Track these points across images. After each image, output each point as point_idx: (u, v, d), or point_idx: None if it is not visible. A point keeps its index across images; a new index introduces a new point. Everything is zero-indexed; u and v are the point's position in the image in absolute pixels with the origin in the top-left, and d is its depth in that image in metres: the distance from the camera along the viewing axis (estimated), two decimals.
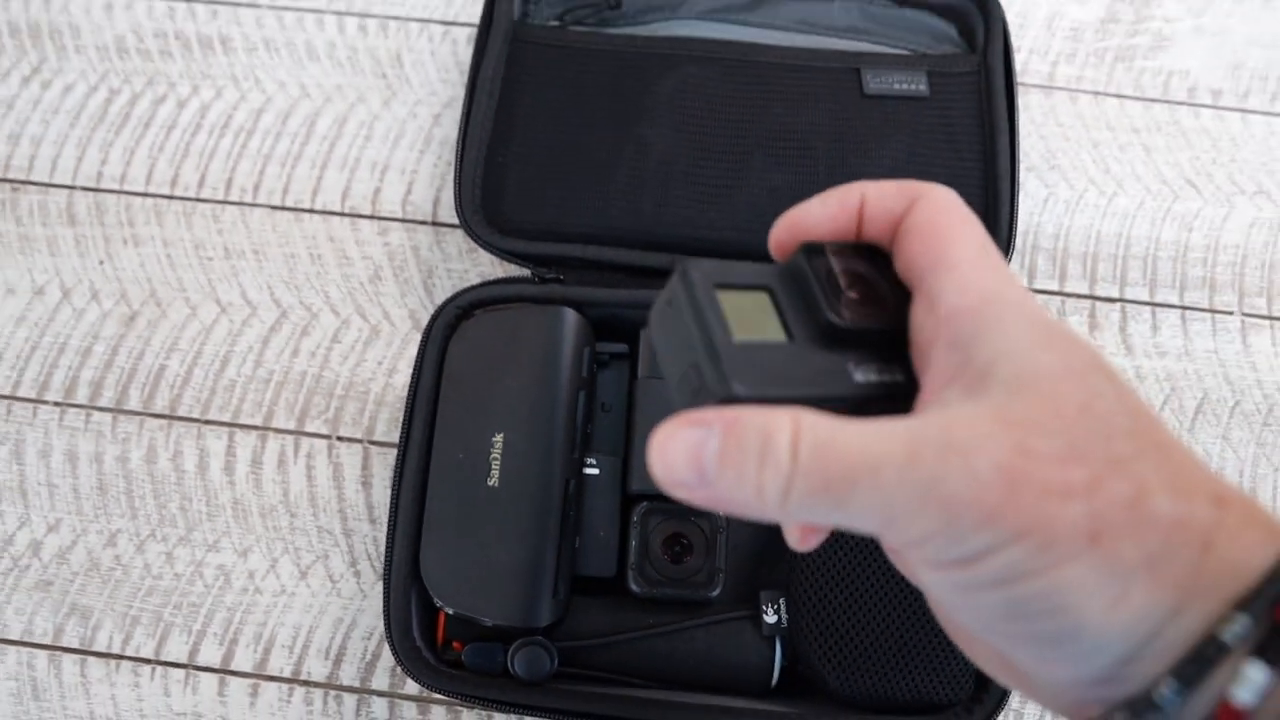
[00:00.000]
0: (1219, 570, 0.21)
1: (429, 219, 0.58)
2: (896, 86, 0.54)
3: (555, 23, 0.57)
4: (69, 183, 0.59)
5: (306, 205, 0.58)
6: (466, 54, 0.61)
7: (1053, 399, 0.22)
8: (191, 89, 0.61)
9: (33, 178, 0.59)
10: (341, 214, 0.58)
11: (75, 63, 0.62)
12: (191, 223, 0.58)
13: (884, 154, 0.53)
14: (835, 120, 0.53)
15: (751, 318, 0.28)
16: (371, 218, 0.58)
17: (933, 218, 0.27)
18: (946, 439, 0.22)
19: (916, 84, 0.54)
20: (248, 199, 0.59)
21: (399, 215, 0.58)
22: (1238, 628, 0.20)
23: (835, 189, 0.29)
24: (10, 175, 0.59)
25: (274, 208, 0.58)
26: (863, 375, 0.27)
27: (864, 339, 0.28)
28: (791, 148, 0.53)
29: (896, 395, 0.27)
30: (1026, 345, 0.23)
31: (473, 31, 0.61)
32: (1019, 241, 0.57)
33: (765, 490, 0.23)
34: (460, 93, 0.60)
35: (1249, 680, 0.20)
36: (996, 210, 0.52)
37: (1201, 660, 0.21)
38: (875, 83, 0.54)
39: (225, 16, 0.62)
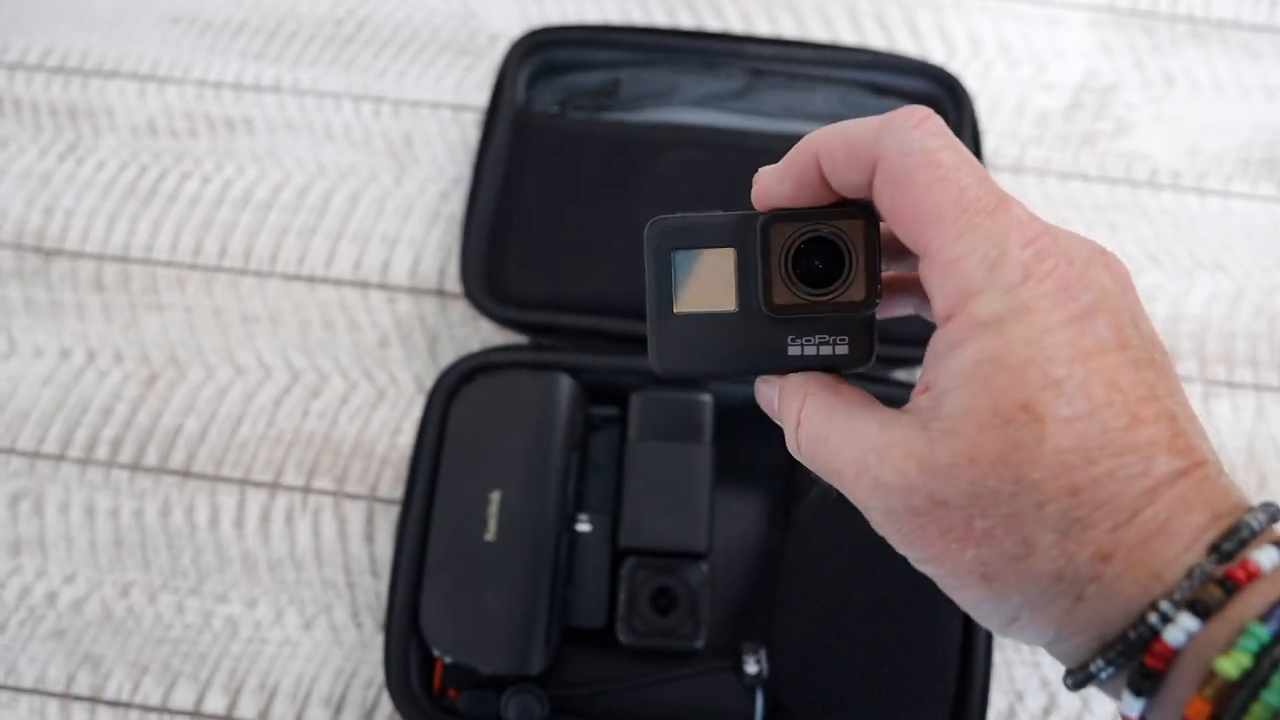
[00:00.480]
0: (1087, 619, 0.24)
1: (435, 289, 0.61)
2: None
3: (556, 109, 0.61)
4: (99, 252, 0.63)
5: (320, 275, 0.62)
6: (473, 136, 0.65)
7: (973, 445, 0.24)
8: (216, 166, 0.65)
9: (65, 247, 0.63)
10: (353, 283, 0.62)
11: (109, 141, 0.66)
12: (212, 291, 0.62)
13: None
14: None
15: (705, 283, 0.29)
16: (381, 287, 0.62)
17: (894, 191, 0.26)
18: (882, 476, 0.26)
19: None
20: (265, 269, 0.62)
21: (407, 285, 0.62)
22: (1103, 665, 0.24)
23: (790, 155, 0.28)
24: (44, 245, 0.63)
25: (289, 277, 0.62)
26: (798, 349, 0.28)
27: (814, 309, 0.28)
28: None
29: (839, 367, 0.29)
30: (967, 382, 0.25)
31: (480, 116, 0.65)
32: None
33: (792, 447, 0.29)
34: (467, 172, 0.64)
35: (1129, 703, 0.24)
36: None
37: (1089, 676, 0.24)
38: None
39: (249, 100, 0.67)
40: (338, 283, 0.62)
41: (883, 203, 0.26)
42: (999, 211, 0.25)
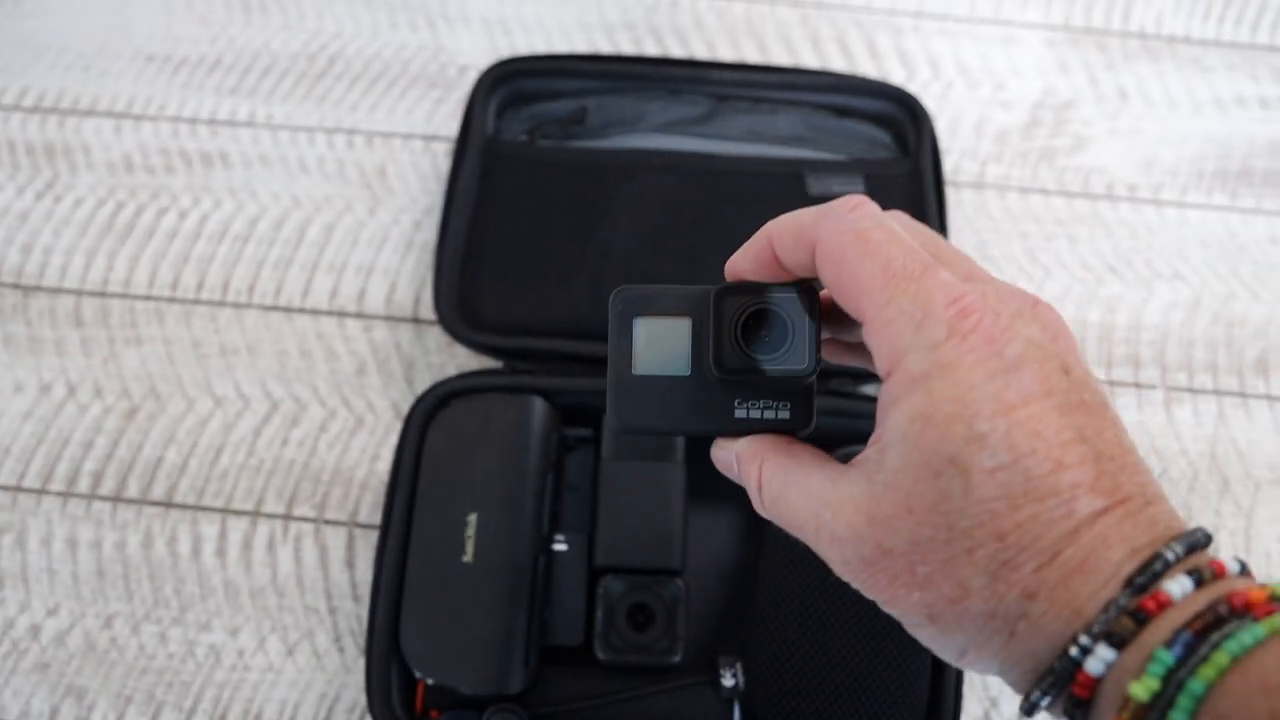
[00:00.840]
0: (1020, 654, 0.26)
1: (410, 316, 0.62)
2: (835, 189, 0.59)
3: (525, 137, 0.63)
4: (77, 288, 0.64)
5: (297, 305, 0.63)
6: (445, 165, 0.66)
7: (910, 497, 0.27)
8: (192, 201, 0.66)
9: (43, 284, 0.64)
10: (329, 313, 0.63)
11: (85, 178, 0.67)
12: (190, 323, 0.63)
13: None
14: None
15: (661, 348, 0.32)
16: (358, 316, 0.63)
17: (831, 268, 0.29)
18: (836, 529, 0.28)
19: (854, 185, 0.59)
20: (242, 300, 0.63)
21: (382, 314, 0.63)
22: (1040, 694, 0.26)
23: (751, 239, 0.32)
24: (22, 281, 0.64)
25: (267, 308, 0.63)
26: (744, 412, 0.31)
27: (759, 376, 0.31)
28: (738, 244, 0.58)
29: (780, 430, 0.31)
30: (902, 438, 0.27)
31: (451, 145, 0.66)
32: None
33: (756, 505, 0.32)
34: (439, 201, 0.65)
35: None
36: None
37: (1032, 705, 0.27)
38: (817, 186, 0.59)
39: (224, 135, 0.68)
40: (314, 312, 0.63)
41: (825, 278, 0.29)
42: (924, 276, 0.27)
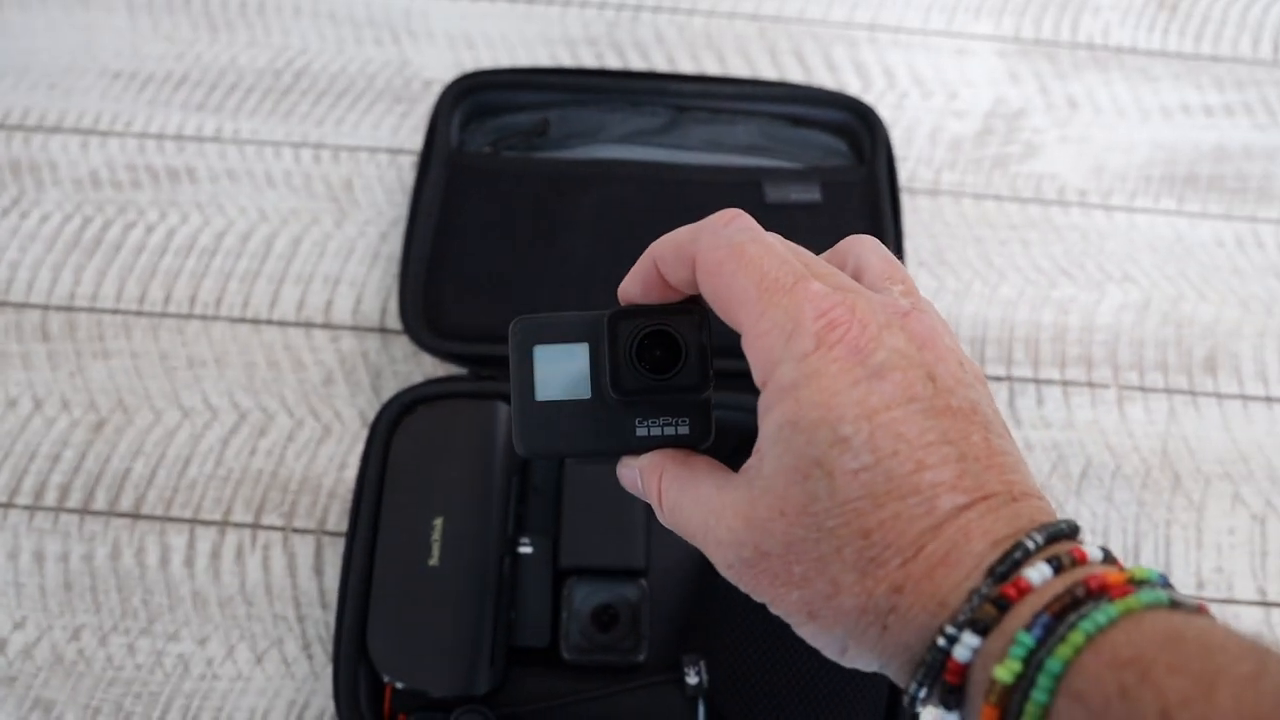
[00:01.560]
0: (894, 646, 0.27)
1: (377, 326, 0.63)
2: (793, 196, 0.61)
3: (489, 149, 0.64)
4: (44, 302, 0.64)
5: (265, 317, 0.63)
6: (411, 178, 0.67)
7: (782, 500, 0.28)
8: (160, 215, 0.67)
9: (9, 299, 0.64)
10: (297, 324, 0.63)
11: (52, 194, 0.68)
12: (158, 336, 0.63)
13: None
14: None
15: (561, 374, 0.32)
16: (325, 326, 0.63)
17: (709, 282, 0.30)
18: (719, 534, 0.29)
19: (811, 193, 0.61)
20: (210, 313, 0.64)
21: (349, 324, 0.63)
22: (916, 686, 0.27)
23: (638, 262, 0.32)
24: None
25: (234, 320, 0.63)
26: (645, 429, 0.32)
27: (657, 394, 0.32)
28: None
29: (680, 444, 0.32)
30: (774, 444, 0.28)
31: (416, 158, 0.67)
32: None
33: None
34: (404, 213, 0.66)
35: (943, 717, 0.27)
36: None
37: (912, 697, 0.28)
38: (774, 193, 0.61)
39: (191, 150, 0.69)
40: (282, 324, 0.63)
41: (704, 292, 0.30)
42: (795, 290, 0.28)
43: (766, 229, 0.61)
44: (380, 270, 0.65)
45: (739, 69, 0.71)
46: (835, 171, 0.63)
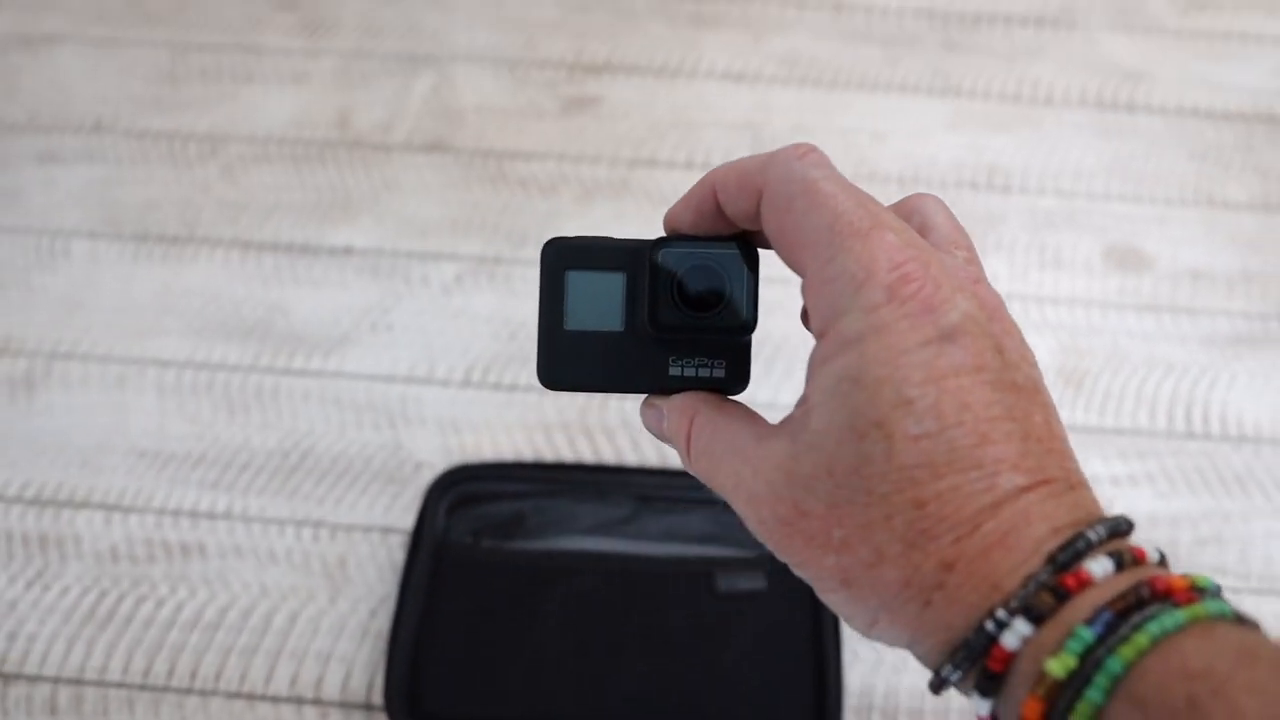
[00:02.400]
0: (934, 624, 0.26)
1: (363, 703, 0.69)
2: (741, 585, 0.68)
3: (470, 538, 0.72)
4: (55, 675, 0.70)
5: (260, 692, 0.69)
6: (399, 557, 0.74)
7: (831, 458, 0.26)
8: (170, 590, 0.74)
9: (24, 671, 0.70)
10: (289, 699, 0.69)
11: (74, 568, 0.75)
12: (159, 711, 0.68)
13: (733, 643, 0.66)
14: (691, 617, 0.67)
15: (594, 303, 0.30)
16: (315, 703, 0.69)
17: (776, 218, 0.28)
18: (755, 488, 0.28)
19: (756, 582, 0.68)
20: (209, 687, 0.69)
21: (338, 700, 0.69)
22: (951, 668, 0.26)
23: (693, 188, 0.30)
24: (5, 669, 0.70)
25: (231, 695, 0.69)
26: (678, 370, 0.30)
27: (695, 333, 0.30)
28: (656, 643, 0.66)
29: (714, 388, 0.31)
30: (830, 398, 0.26)
31: (405, 538, 0.75)
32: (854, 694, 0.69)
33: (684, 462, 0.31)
34: (393, 590, 0.73)
35: (978, 703, 0.26)
36: (823, 676, 0.64)
37: (942, 679, 0.27)
38: (725, 583, 0.68)
39: (204, 527, 0.76)
40: (275, 699, 0.69)
41: (768, 229, 0.29)
42: (871, 236, 0.26)
43: (715, 619, 0.68)
44: (369, 647, 0.71)
45: None
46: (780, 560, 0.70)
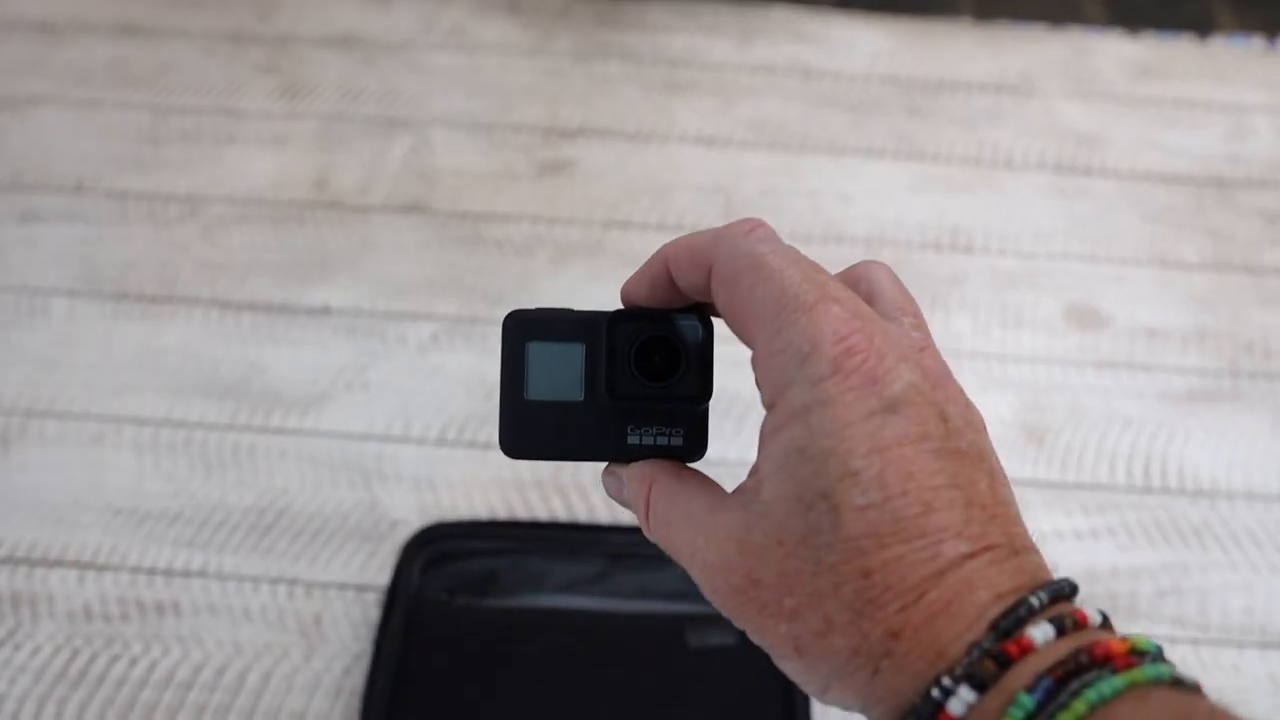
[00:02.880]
0: (883, 691, 0.26)
1: None
2: (712, 641, 0.69)
3: (445, 596, 0.72)
4: None
5: None
6: (374, 614, 0.75)
7: (781, 529, 0.27)
8: (143, 648, 0.74)
9: None
10: None
11: (46, 627, 0.75)
12: None
13: (704, 699, 0.67)
14: (663, 674, 0.68)
15: (555, 373, 0.31)
16: None
17: (724, 292, 0.29)
18: (708, 556, 0.29)
19: (727, 638, 0.70)
20: None
21: None
22: None
23: (647, 262, 0.31)
24: None
25: None
26: (637, 438, 0.31)
27: (652, 402, 0.31)
28: (628, 700, 0.67)
29: (672, 456, 0.32)
30: (778, 469, 0.27)
31: (380, 595, 0.76)
32: None
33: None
34: (368, 648, 0.73)
35: None
36: None
37: None
38: (695, 639, 0.69)
39: (178, 585, 0.77)
40: None
41: (718, 302, 0.29)
42: (816, 309, 0.27)
43: (686, 675, 0.69)
44: (343, 705, 0.71)
45: None
46: None
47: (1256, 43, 1.28)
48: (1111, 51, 1.24)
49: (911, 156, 1.11)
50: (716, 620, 0.71)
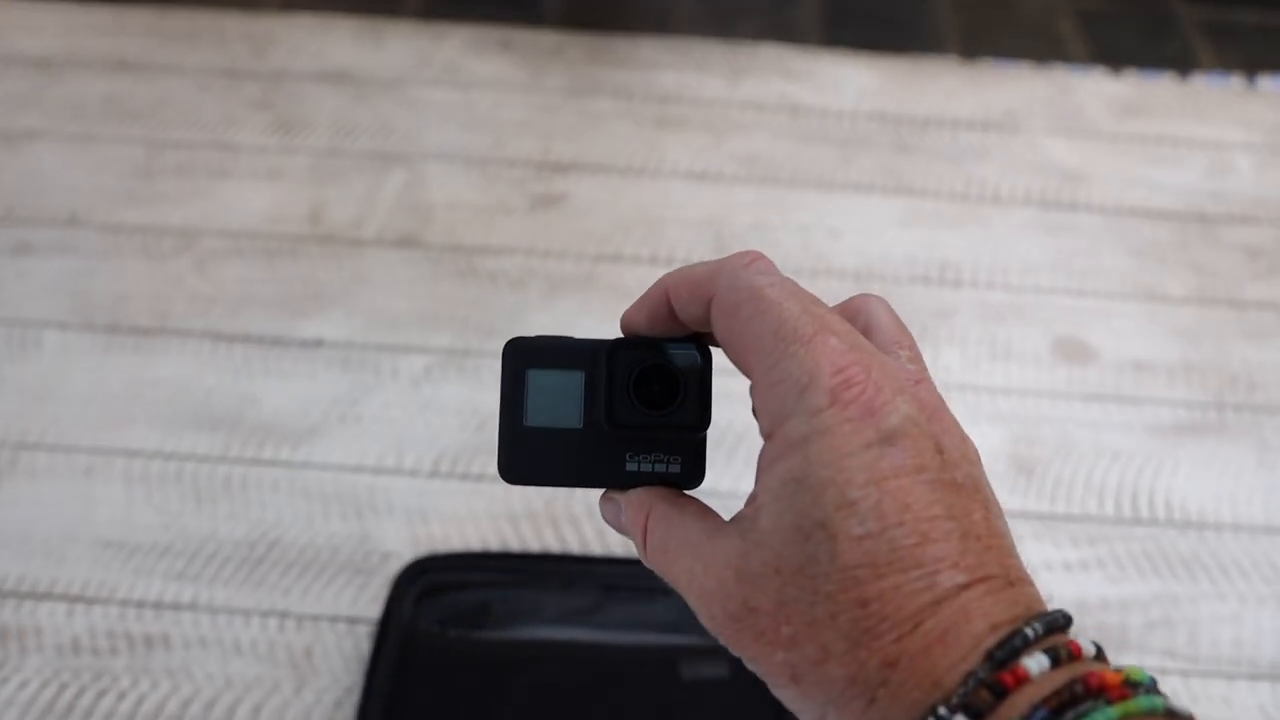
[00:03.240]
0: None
1: None
2: (705, 673, 0.69)
3: (437, 628, 0.72)
4: None
5: None
6: (366, 647, 0.75)
7: (778, 557, 0.27)
8: (132, 682, 0.73)
9: None
10: None
11: (34, 661, 0.74)
12: None
13: None
14: (656, 706, 0.68)
15: (554, 401, 0.32)
16: None
17: (724, 323, 0.29)
18: (705, 583, 0.29)
19: (720, 669, 0.69)
20: None
21: None
22: None
23: (647, 292, 0.32)
24: None
25: None
26: (635, 465, 0.32)
27: (651, 430, 0.31)
28: None
29: (670, 483, 0.32)
30: (776, 499, 0.27)
31: (372, 627, 0.75)
32: None
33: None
34: (359, 680, 0.73)
35: None
36: None
37: None
38: (688, 672, 0.69)
39: (168, 618, 0.76)
40: None
41: (717, 333, 0.30)
42: (814, 341, 0.28)
43: (679, 707, 0.69)
44: None
45: None
46: None
47: (1235, 81, 1.30)
48: (1094, 89, 1.26)
49: (900, 192, 1.13)
50: (710, 652, 0.71)
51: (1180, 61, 1.32)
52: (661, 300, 0.32)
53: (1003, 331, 1.00)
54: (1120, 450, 0.91)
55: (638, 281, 1.00)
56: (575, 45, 1.27)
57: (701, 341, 0.33)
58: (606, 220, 1.07)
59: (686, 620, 0.73)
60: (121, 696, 0.72)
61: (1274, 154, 1.20)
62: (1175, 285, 1.05)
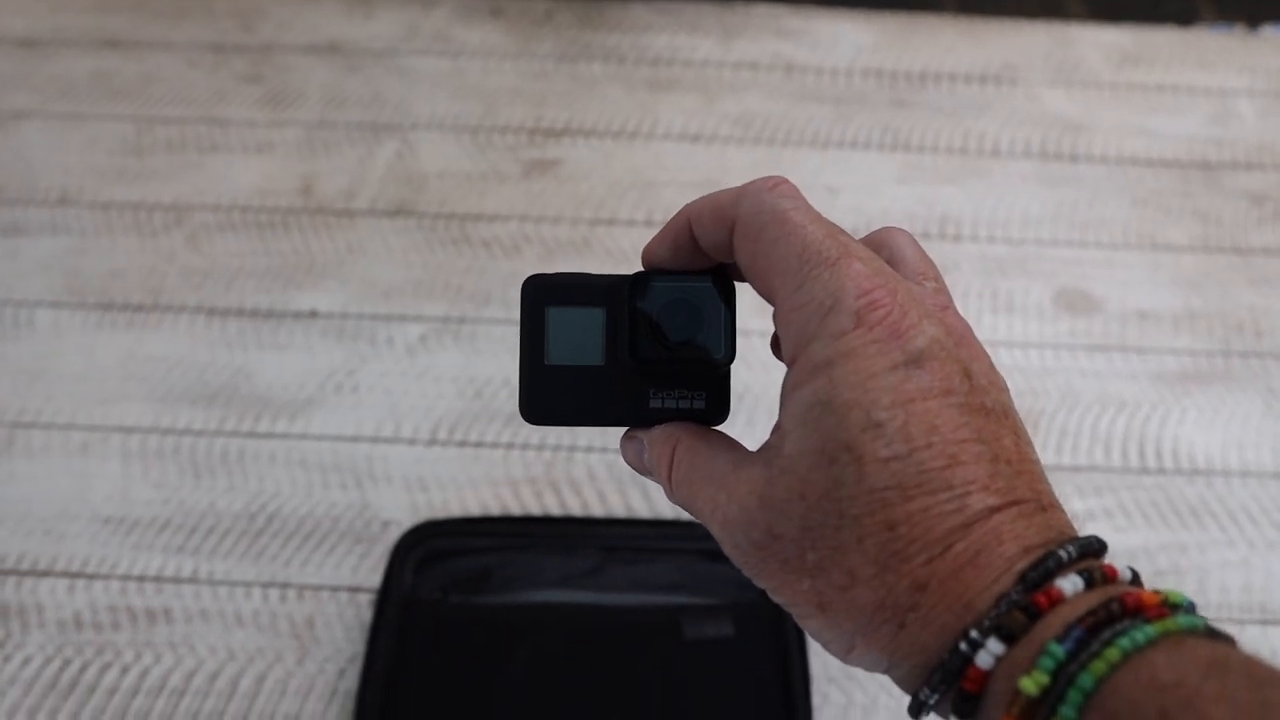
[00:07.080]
0: (909, 647, 0.26)
1: None
2: (708, 632, 0.68)
3: (438, 594, 0.72)
4: None
5: None
6: (368, 615, 0.74)
7: (803, 482, 0.26)
8: (135, 656, 0.73)
9: None
10: None
11: (36, 637, 0.74)
12: None
13: (702, 690, 0.66)
14: (659, 667, 0.67)
15: (575, 338, 0.31)
16: None
17: (747, 247, 0.29)
18: (729, 512, 0.28)
19: (724, 628, 0.69)
20: None
21: None
22: (929, 691, 0.26)
23: (669, 222, 0.31)
24: None
25: None
26: (659, 402, 0.31)
27: (674, 365, 0.30)
28: (624, 694, 0.66)
29: (694, 419, 0.31)
30: (801, 424, 0.27)
31: (373, 596, 0.75)
32: None
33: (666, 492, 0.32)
34: (362, 649, 0.72)
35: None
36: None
37: (920, 703, 0.27)
38: (691, 630, 0.69)
39: (169, 591, 0.76)
40: None
41: (740, 258, 0.29)
42: (839, 264, 0.27)
43: (683, 667, 0.68)
44: (337, 707, 0.70)
45: (662, 506, 0.82)
46: (749, 607, 0.71)
47: (1238, 29, 1.28)
48: (1093, 40, 1.24)
49: (897, 148, 1.11)
50: (713, 611, 0.70)
51: (1182, 18, 1.29)
52: (684, 229, 0.31)
53: (1005, 285, 0.99)
54: (1126, 400, 0.90)
55: (633, 245, 0.99)
56: (565, 10, 1.25)
57: (725, 274, 0.32)
58: (601, 184, 1.06)
59: (689, 580, 0.73)
60: (125, 670, 0.72)
61: (1278, 100, 1.18)
62: (1179, 234, 1.04)
